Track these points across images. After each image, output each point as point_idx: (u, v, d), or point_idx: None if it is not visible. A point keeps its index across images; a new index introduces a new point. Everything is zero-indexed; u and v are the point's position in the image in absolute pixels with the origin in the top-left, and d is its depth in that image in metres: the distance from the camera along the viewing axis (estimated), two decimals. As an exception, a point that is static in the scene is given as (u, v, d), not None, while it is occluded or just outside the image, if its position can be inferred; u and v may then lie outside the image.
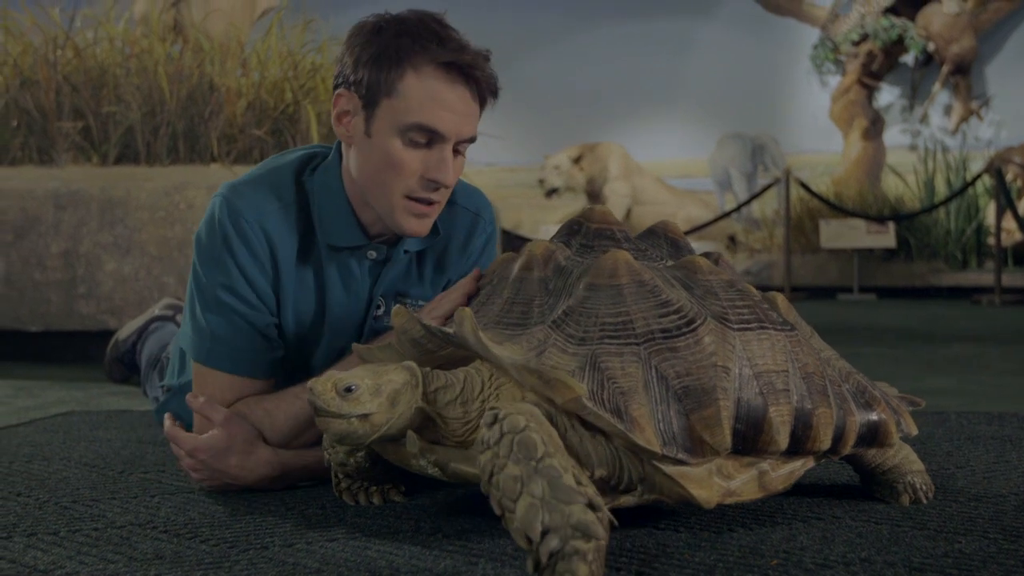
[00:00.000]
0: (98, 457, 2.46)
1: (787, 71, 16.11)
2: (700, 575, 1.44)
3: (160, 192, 4.70)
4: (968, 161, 13.14)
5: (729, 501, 1.61)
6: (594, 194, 15.73)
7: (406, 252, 2.20)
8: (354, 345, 1.84)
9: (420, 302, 2.22)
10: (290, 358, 2.19)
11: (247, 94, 5.33)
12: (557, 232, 1.86)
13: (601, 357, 1.55)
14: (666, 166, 16.21)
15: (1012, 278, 10.22)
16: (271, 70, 5.50)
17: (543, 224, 14.48)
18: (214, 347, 2.09)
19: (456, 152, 2.05)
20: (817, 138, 15.72)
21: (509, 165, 15.65)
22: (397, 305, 1.72)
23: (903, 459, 1.86)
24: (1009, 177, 11.06)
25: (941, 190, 12.74)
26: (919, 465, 1.88)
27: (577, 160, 15.91)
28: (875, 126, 15.36)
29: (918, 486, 1.86)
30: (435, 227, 2.20)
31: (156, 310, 3.56)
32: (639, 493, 1.59)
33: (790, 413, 1.65)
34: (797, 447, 1.65)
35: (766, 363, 1.66)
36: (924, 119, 15.18)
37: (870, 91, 15.40)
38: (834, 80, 15.78)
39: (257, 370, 2.11)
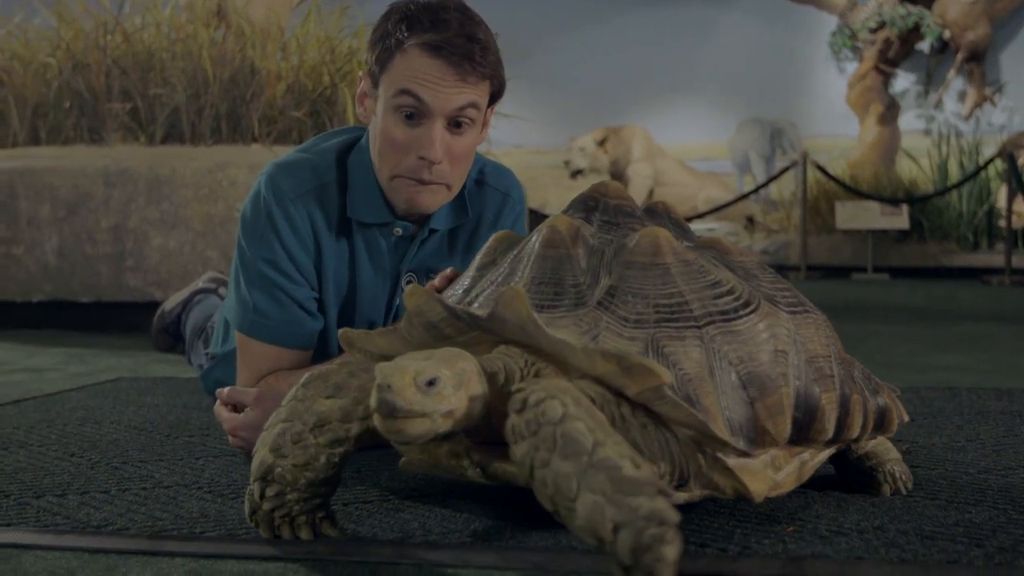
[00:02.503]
0: (146, 421, 2.56)
1: (805, 57, 16.19)
2: (719, 540, 1.47)
3: (204, 170, 4.88)
4: (981, 146, 13.19)
5: (773, 494, 1.54)
6: (618, 175, 15.89)
7: (432, 231, 2.24)
8: (344, 331, 1.64)
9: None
10: (326, 330, 2.26)
11: (286, 77, 5.47)
12: (570, 208, 1.74)
13: (662, 341, 1.45)
14: (687, 149, 16.32)
15: (1022, 259, 10.34)
16: (309, 54, 5.62)
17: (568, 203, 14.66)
18: (257, 319, 2.17)
19: (457, 126, 2.06)
20: (834, 123, 15.80)
21: (536, 146, 15.81)
22: (412, 285, 1.54)
23: (883, 448, 1.79)
24: (1021, 162, 11.18)
25: (954, 174, 12.81)
26: (896, 453, 1.82)
27: (602, 142, 16.08)
28: (890, 111, 15.43)
29: (898, 475, 1.80)
30: (464, 207, 2.26)
31: (200, 283, 3.70)
32: (691, 488, 1.49)
33: (836, 400, 1.60)
34: (837, 435, 1.61)
35: (815, 348, 1.60)
36: (938, 105, 15.25)
37: (886, 77, 15.46)
38: (851, 66, 15.85)
39: (297, 341, 2.19)
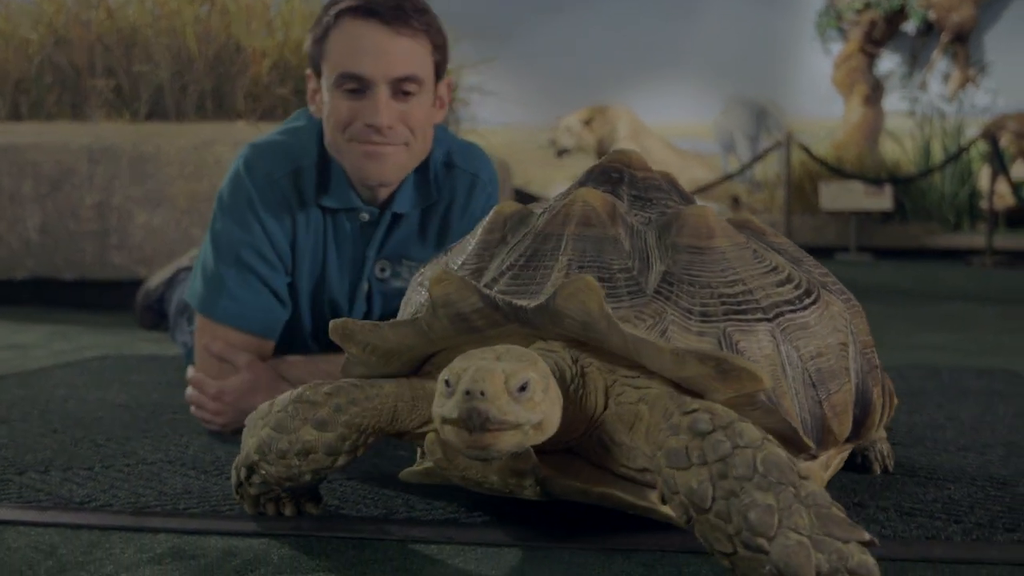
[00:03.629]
0: (130, 398, 2.55)
1: (792, 38, 16.20)
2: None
3: (189, 148, 4.86)
4: (964, 127, 13.26)
5: None
6: (603, 155, 15.87)
7: (396, 215, 2.24)
8: (343, 323, 1.48)
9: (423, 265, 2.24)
10: (298, 314, 2.26)
11: (272, 54, 5.48)
12: (588, 179, 1.59)
13: (735, 336, 1.33)
14: (673, 128, 16.33)
15: (1003, 240, 10.42)
16: (295, 31, 5.63)
17: (554, 182, 14.64)
18: (225, 302, 2.15)
19: (405, 94, 2.07)
20: (819, 103, 15.83)
21: (522, 125, 15.79)
22: (440, 270, 1.34)
23: None
24: (1003, 143, 11.24)
25: (937, 155, 12.88)
26: (883, 432, 1.81)
27: (588, 122, 16.07)
28: (875, 92, 15.48)
29: (885, 454, 1.81)
30: (428, 188, 2.25)
31: (184, 260, 3.64)
32: None
33: (881, 392, 1.56)
34: (875, 428, 1.56)
35: (864, 337, 1.54)
36: (923, 86, 15.30)
37: (871, 58, 15.50)
38: (837, 47, 15.87)
39: (263, 328, 2.18)
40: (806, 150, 11.77)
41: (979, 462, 1.91)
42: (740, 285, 1.38)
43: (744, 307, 1.36)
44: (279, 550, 1.41)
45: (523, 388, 1.17)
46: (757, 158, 12.64)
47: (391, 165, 2.13)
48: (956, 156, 11.54)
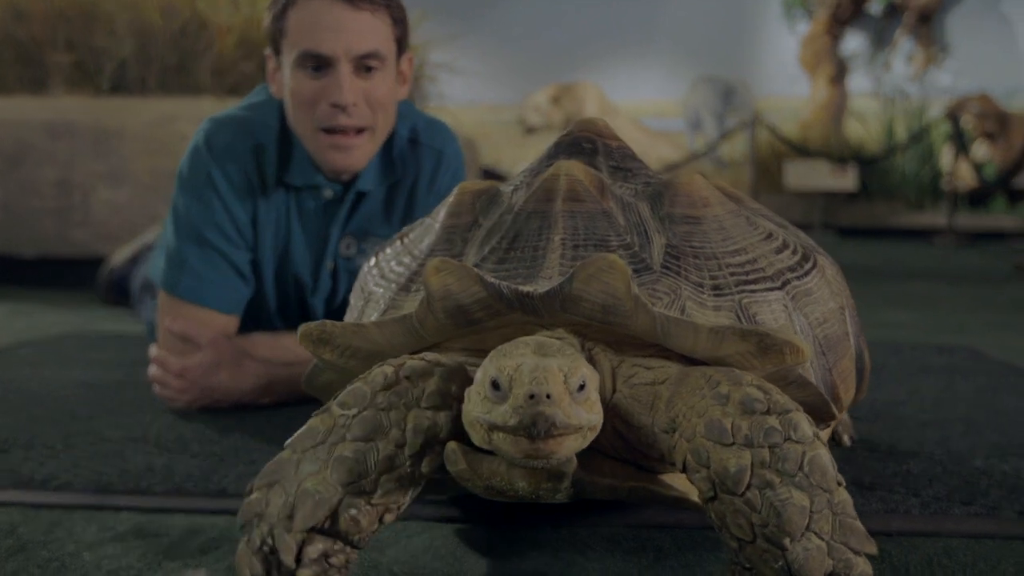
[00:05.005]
0: (93, 377, 2.53)
1: (759, 17, 16.23)
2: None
3: (152, 123, 4.80)
4: (927, 108, 13.38)
5: None
6: (570, 133, 15.87)
7: (361, 193, 2.23)
8: (319, 325, 1.33)
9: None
10: (262, 292, 2.26)
11: (237, 30, 5.39)
12: (559, 150, 1.49)
13: (751, 308, 1.27)
14: (640, 106, 16.34)
15: (965, 220, 10.54)
16: (261, 6, 5.52)
17: (522, 160, 14.62)
18: (187, 280, 2.15)
19: (367, 70, 2.07)
20: (785, 82, 15.90)
21: (490, 103, 15.74)
22: (439, 258, 1.22)
23: None
24: (965, 124, 11.36)
25: (900, 135, 12.99)
26: None
27: (556, 100, 16.05)
28: (840, 72, 15.58)
29: (850, 425, 1.85)
30: (392, 166, 2.25)
31: (149, 237, 3.63)
32: None
33: (868, 354, 1.53)
34: (863, 395, 1.54)
35: (851, 299, 1.50)
36: (887, 67, 15.41)
37: (837, 38, 15.58)
38: (803, 27, 15.94)
39: (226, 305, 2.17)
40: (772, 129, 11.83)
41: (938, 437, 1.94)
42: (744, 254, 1.33)
43: (753, 277, 1.31)
44: (243, 527, 1.41)
45: (582, 387, 1.07)
46: (724, 137, 12.70)
47: (357, 155, 2.12)
48: (919, 136, 11.65)
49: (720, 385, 1.11)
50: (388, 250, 1.49)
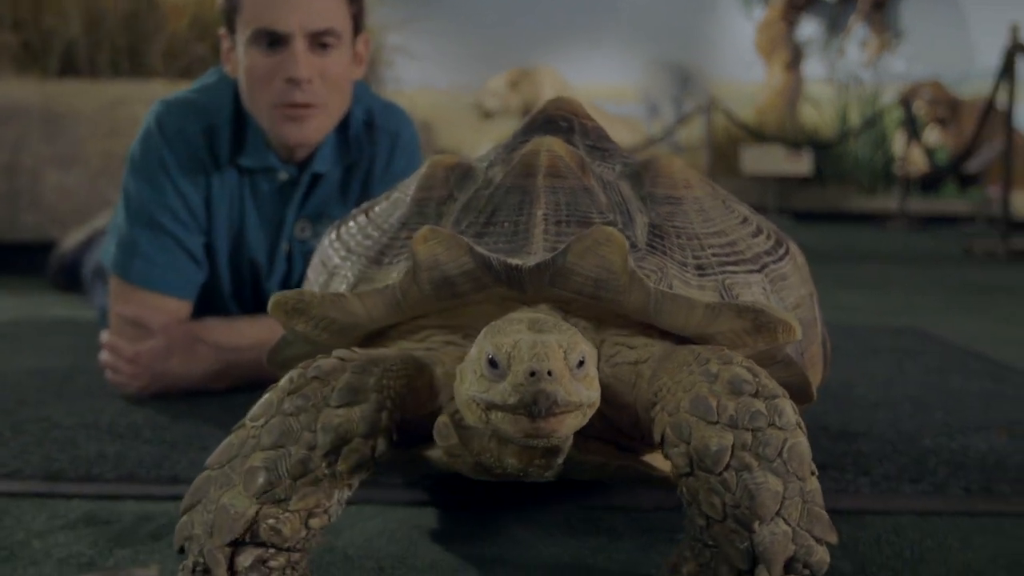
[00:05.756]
0: (43, 363, 2.50)
1: (716, 2, 16.32)
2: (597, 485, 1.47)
3: (103, 106, 4.72)
4: (880, 94, 13.54)
5: None
6: (528, 118, 15.86)
7: (316, 175, 2.22)
8: (290, 295, 1.29)
9: None
10: (217, 275, 2.24)
11: (189, 11, 5.32)
12: (534, 128, 1.44)
13: (734, 289, 1.27)
14: (598, 91, 16.34)
15: (916, 204, 10.69)
16: (213, -13, 5.50)
17: (480, 144, 14.60)
18: (139, 264, 2.12)
19: (323, 47, 2.05)
20: (741, 68, 16.01)
21: (447, 88, 15.68)
22: (427, 227, 1.19)
23: None
24: (917, 110, 11.51)
25: (854, 121, 13.14)
26: None
27: (513, 84, 16.02)
28: (795, 58, 15.71)
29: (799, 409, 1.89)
30: (347, 147, 2.23)
31: (100, 222, 3.59)
32: None
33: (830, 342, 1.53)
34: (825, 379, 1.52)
35: (814, 286, 1.49)
36: (841, 52, 15.57)
37: (792, 24, 15.70)
38: (759, 12, 16.05)
39: (179, 290, 2.15)
40: (728, 114, 11.90)
41: (888, 418, 1.97)
42: (724, 236, 1.32)
43: (734, 259, 1.30)
44: (196, 513, 1.39)
45: (581, 363, 1.04)
46: (680, 121, 12.76)
47: (312, 129, 2.10)
48: (872, 122, 11.79)
49: (710, 363, 1.10)
50: (351, 223, 1.44)
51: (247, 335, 2.16)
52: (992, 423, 1.94)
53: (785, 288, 1.33)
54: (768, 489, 1.01)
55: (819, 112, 13.94)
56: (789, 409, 1.06)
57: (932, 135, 12.16)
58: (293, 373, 1.13)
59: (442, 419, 1.16)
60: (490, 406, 1.03)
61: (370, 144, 2.27)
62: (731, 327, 1.20)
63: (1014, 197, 7.16)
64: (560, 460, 1.12)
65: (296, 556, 1.06)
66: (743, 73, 15.99)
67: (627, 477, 1.27)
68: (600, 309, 1.22)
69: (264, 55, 2.04)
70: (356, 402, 1.11)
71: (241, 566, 1.02)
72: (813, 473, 1.05)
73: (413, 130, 2.36)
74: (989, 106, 7.20)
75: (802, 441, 1.05)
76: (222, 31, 2.14)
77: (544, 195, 1.28)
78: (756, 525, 1.01)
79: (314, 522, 1.06)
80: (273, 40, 2.02)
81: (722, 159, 12.81)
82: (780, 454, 1.03)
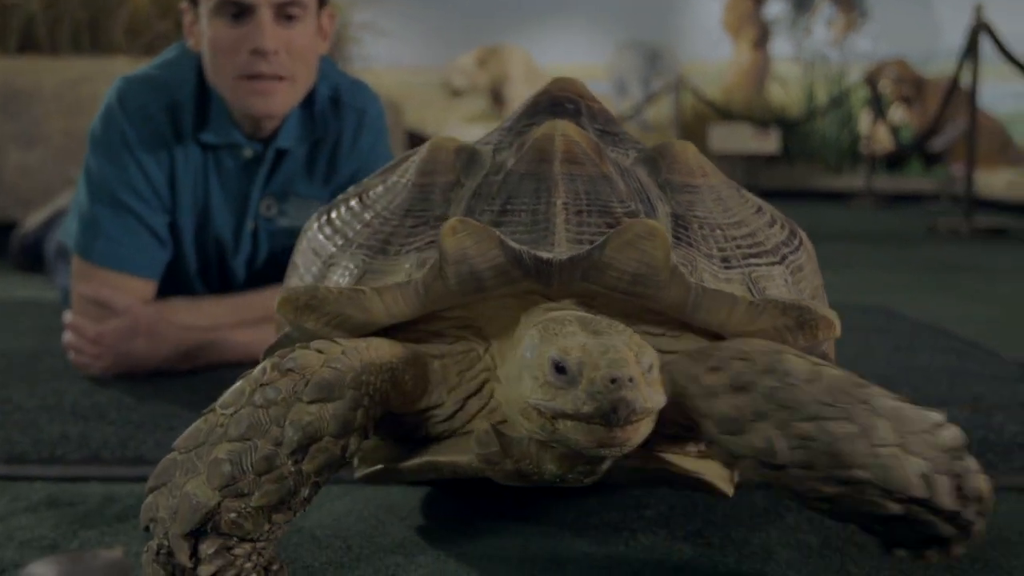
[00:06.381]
0: (5, 344, 2.47)
1: (683, -22, 16.35)
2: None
3: (65, 83, 4.66)
4: (846, 73, 13.61)
5: None
6: (497, 96, 15.83)
7: (281, 152, 2.20)
8: (301, 291, 1.20)
9: (312, 201, 2.21)
10: (183, 254, 2.23)
11: (151, -14, 5.27)
12: (539, 110, 1.37)
13: (760, 282, 1.22)
14: (566, 70, 16.13)
15: (882, 183, 10.77)
16: (175, -37, 5.42)
17: (447, 122, 14.55)
18: (101, 244, 2.10)
19: (288, 19, 2.03)
20: (709, 46, 16.04)
21: (414, 66, 15.59)
22: (457, 218, 1.12)
23: None
24: (886, 90, 11.58)
25: (821, 99, 13.20)
26: None
27: (481, 63, 15.95)
28: (763, 36, 15.76)
29: None
30: (312, 123, 2.21)
31: (63, 201, 3.53)
32: None
33: None
34: None
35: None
36: (808, 31, 15.64)
37: (759, 3, 15.74)
38: (727, -11, 16.08)
39: (143, 269, 2.13)
40: (696, 93, 11.93)
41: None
42: (744, 227, 1.28)
43: (756, 250, 1.25)
44: (162, 495, 1.38)
45: (650, 368, 1.00)
46: (649, 100, 12.77)
47: (278, 101, 2.08)
48: (839, 101, 11.85)
49: (700, 379, 1.09)
50: (343, 208, 1.36)
51: (212, 315, 2.14)
52: (958, 399, 1.96)
53: (803, 279, 1.29)
54: (839, 437, 1.00)
55: (786, 91, 14.00)
56: (792, 360, 1.06)
57: (897, 114, 12.25)
58: (267, 363, 1.08)
59: (483, 426, 1.13)
60: (558, 415, 0.99)
61: (336, 120, 2.25)
62: (774, 324, 1.17)
63: (977, 176, 7.23)
64: (605, 466, 1.09)
65: (261, 544, 1.04)
66: (711, 52, 16.01)
67: (661, 480, 1.25)
68: (625, 304, 1.17)
69: (229, 26, 2.01)
70: (330, 399, 1.06)
71: (204, 553, 1.00)
72: (864, 384, 1.03)
73: (380, 107, 2.34)
74: (953, 85, 7.25)
75: (830, 373, 1.04)
76: (184, 4, 2.12)
77: (562, 183, 1.22)
78: (861, 473, 0.99)
79: (277, 517, 1.03)
80: (238, 11, 2.00)
81: (690, 137, 12.74)
82: (823, 402, 1.02)
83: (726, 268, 1.20)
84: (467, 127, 13.20)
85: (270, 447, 1.02)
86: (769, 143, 12.01)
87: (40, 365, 2.23)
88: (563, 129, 1.25)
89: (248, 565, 1.03)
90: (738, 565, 1.21)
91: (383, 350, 1.15)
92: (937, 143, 10.33)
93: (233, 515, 1.00)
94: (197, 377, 2.09)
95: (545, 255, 1.12)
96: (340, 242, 1.29)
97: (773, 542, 1.27)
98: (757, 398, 1.03)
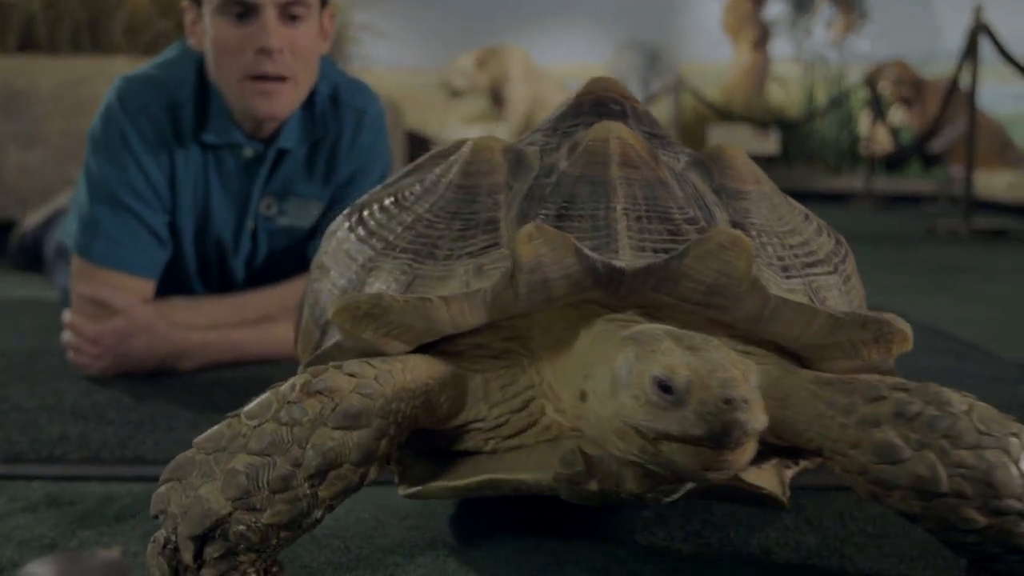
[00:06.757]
0: (4, 344, 2.47)
1: (683, -20, 16.36)
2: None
3: (65, 83, 4.66)
4: (846, 74, 13.62)
5: None
6: (497, 96, 15.83)
7: (282, 152, 2.20)
8: (364, 300, 1.11)
9: (311, 200, 2.23)
10: (182, 254, 2.23)
11: (152, -14, 5.27)
12: (582, 111, 1.33)
13: (821, 293, 1.21)
14: (565, 70, 16.32)
15: (881, 184, 10.77)
16: (175, -38, 5.42)
17: (447, 123, 14.56)
18: (101, 243, 2.10)
19: (292, 19, 2.04)
20: (709, 47, 16.05)
21: (413, 66, 15.59)
22: (533, 224, 1.08)
23: None
24: (886, 91, 11.58)
25: (820, 100, 13.21)
26: None
27: (481, 63, 15.95)
28: (763, 37, 15.77)
29: None
30: (312, 123, 2.22)
31: (62, 201, 3.51)
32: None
33: None
34: None
35: None
36: (807, 32, 15.65)
37: (759, 4, 15.74)
38: (727, -9, 16.09)
39: (142, 269, 2.13)
40: (696, 94, 11.93)
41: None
42: (798, 235, 1.25)
43: (812, 259, 1.22)
44: (161, 494, 1.38)
45: (755, 387, 0.98)
46: (648, 101, 12.77)
47: (282, 102, 2.08)
48: (838, 102, 11.85)
49: (856, 408, 1.07)
50: (375, 209, 1.29)
51: (212, 315, 2.14)
52: (954, 400, 1.96)
53: (852, 289, 1.27)
54: (996, 466, 1.00)
55: (786, 91, 14.00)
56: (947, 391, 1.05)
57: (897, 115, 12.25)
58: (299, 379, 1.06)
59: (571, 446, 1.10)
60: (664, 436, 0.96)
61: (336, 120, 2.25)
62: (851, 339, 1.14)
63: (977, 177, 7.23)
64: (689, 486, 1.07)
65: (265, 553, 1.04)
66: (710, 53, 16.02)
67: (728, 496, 1.22)
68: (687, 316, 1.14)
69: (233, 25, 2.01)
70: (355, 427, 1.03)
71: (209, 556, 0.99)
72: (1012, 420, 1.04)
73: (379, 107, 2.35)
74: (953, 86, 7.25)
75: (979, 405, 1.04)
76: (185, 3, 2.11)
77: (620, 187, 1.18)
78: (1017, 504, 1.00)
79: (285, 534, 1.02)
80: (243, 10, 2.00)
81: (690, 138, 12.83)
82: (979, 431, 1.02)
83: (787, 278, 1.18)
84: (467, 128, 13.20)
85: (288, 467, 1.00)
86: (768, 144, 12.01)
87: (39, 365, 2.23)
88: (617, 131, 1.21)
89: (251, 570, 1.03)
90: (737, 566, 1.21)
91: (419, 371, 1.12)
92: (936, 144, 10.34)
93: (242, 528, 0.99)
94: (197, 377, 2.09)
95: (618, 264, 1.09)
96: (380, 245, 1.24)
97: (771, 543, 1.28)
98: (922, 427, 1.03)
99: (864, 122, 11.76)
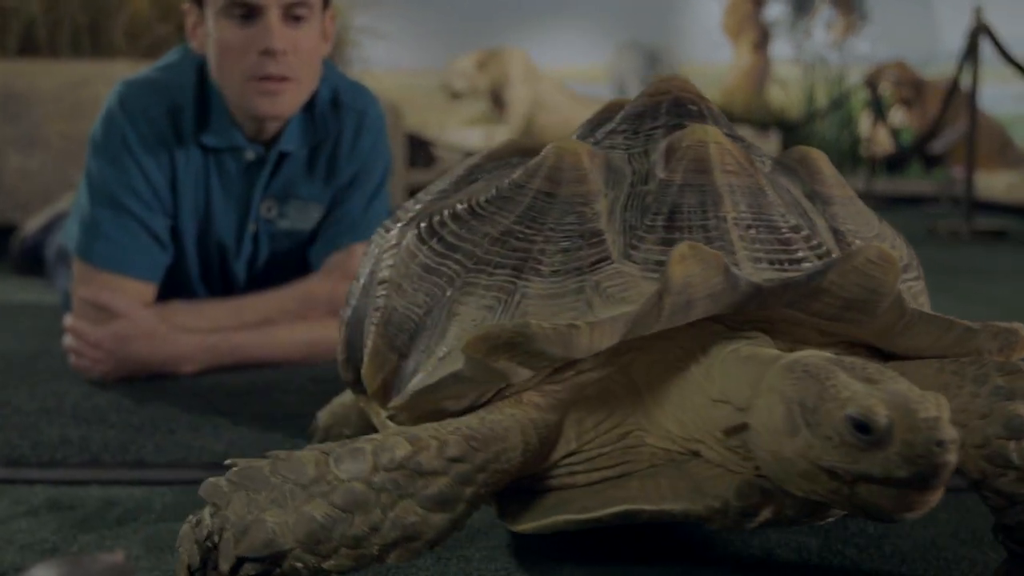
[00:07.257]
0: (5, 347, 2.47)
1: (683, -19, 16.37)
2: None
3: (65, 86, 4.66)
4: (846, 75, 13.63)
5: None
6: (497, 98, 15.84)
7: (283, 154, 2.20)
8: (507, 329, 1.02)
9: (312, 203, 2.24)
10: (184, 258, 2.23)
11: (152, -11, 5.27)
12: (660, 112, 1.26)
13: (919, 299, 1.21)
14: (566, 72, 16.33)
15: (882, 185, 10.78)
16: (176, -34, 5.43)
17: (447, 125, 14.57)
18: (102, 247, 2.10)
19: (295, 19, 2.04)
20: (709, 49, 16.06)
21: (413, 68, 15.61)
22: (687, 243, 1.02)
23: None
24: (886, 92, 11.59)
25: (821, 102, 13.22)
26: None
27: (481, 65, 15.96)
28: (763, 39, 15.78)
29: None
30: (313, 126, 2.22)
31: (63, 204, 3.52)
32: None
33: None
34: None
35: None
36: (807, 34, 15.65)
37: (759, 5, 15.75)
38: (726, -8, 16.09)
39: (144, 272, 2.13)
40: (696, 95, 11.94)
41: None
42: (884, 240, 1.21)
43: (902, 263, 1.18)
44: (161, 498, 1.39)
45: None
46: (648, 103, 12.77)
47: (285, 103, 2.09)
48: (839, 103, 11.86)
49: (989, 378, 1.06)
50: (446, 217, 1.21)
51: (213, 318, 2.14)
52: (955, 401, 1.96)
53: (924, 293, 1.25)
54: None
55: (786, 93, 14.01)
56: None
57: (897, 116, 12.25)
58: (400, 452, 1.00)
59: (747, 480, 1.05)
60: (863, 478, 0.91)
61: (336, 122, 2.25)
62: (976, 348, 1.11)
63: (977, 178, 7.23)
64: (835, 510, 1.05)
65: None
66: (711, 54, 16.03)
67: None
68: (799, 329, 1.11)
69: (237, 27, 2.01)
70: (440, 511, 1.00)
71: (247, 572, 0.97)
72: None
73: (379, 109, 2.35)
74: (953, 87, 7.25)
75: None
76: (187, 5, 2.12)
77: (727, 196, 1.13)
78: None
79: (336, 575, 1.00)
80: (247, 12, 2.00)
81: (690, 140, 12.85)
82: None
83: None
84: (467, 129, 13.21)
85: (365, 529, 0.98)
86: (769, 145, 12.01)
87: (40, 368, 2.23)
88: (714, 136, 1.16)
89: None
90: (738, 566, 1.21)
91: (527, 416, 1.08)
92: (937, 145, 10.34)
93: (298, 564, 0.97)
94: (198, 380, 2.09)
95: (757, 280, 1.04)
96: (469, 263, 1.15)
97: (773, 544, 1.28)
98: None
99: (864, 123, 11.77)
